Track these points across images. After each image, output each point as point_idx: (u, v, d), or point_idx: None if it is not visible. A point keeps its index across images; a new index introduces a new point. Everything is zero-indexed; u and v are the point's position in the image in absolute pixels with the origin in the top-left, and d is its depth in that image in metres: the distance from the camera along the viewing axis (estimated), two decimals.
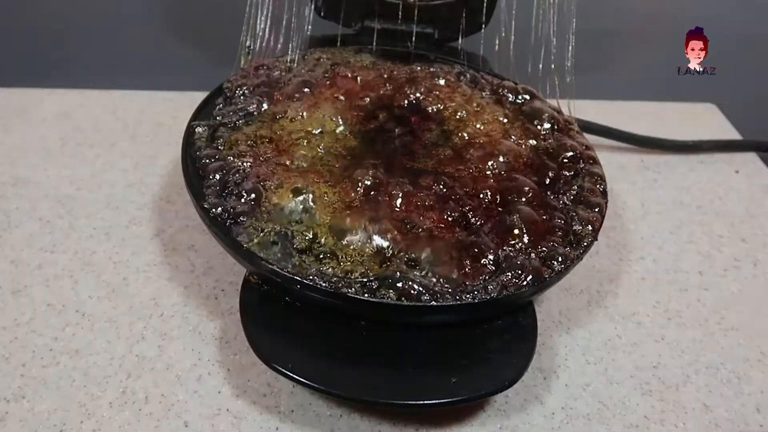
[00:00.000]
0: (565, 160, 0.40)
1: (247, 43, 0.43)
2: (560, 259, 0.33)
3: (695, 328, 0.38)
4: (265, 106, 0.41)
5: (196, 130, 0.38)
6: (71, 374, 0.33)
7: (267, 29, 0.43)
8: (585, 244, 0.34)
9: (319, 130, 0.39)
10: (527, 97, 0.44)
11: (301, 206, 0.34)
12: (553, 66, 0.41)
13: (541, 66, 0.43)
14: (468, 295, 0.31)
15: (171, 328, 0.35)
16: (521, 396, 0.33)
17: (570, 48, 0.42)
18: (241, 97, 0.41)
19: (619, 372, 0.35)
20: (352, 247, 0.33)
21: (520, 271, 0.32)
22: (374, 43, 0.47)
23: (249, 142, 0.38)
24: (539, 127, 0.42)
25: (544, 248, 0.34)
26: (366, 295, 0.30)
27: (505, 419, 0.32)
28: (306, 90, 0.42)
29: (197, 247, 0.40)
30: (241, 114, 0.40)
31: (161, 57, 0.60)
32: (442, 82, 0.44)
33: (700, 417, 0.33)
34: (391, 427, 0.31)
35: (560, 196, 0.37)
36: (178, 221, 0.42)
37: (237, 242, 0.32)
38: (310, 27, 0.45)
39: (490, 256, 0.33)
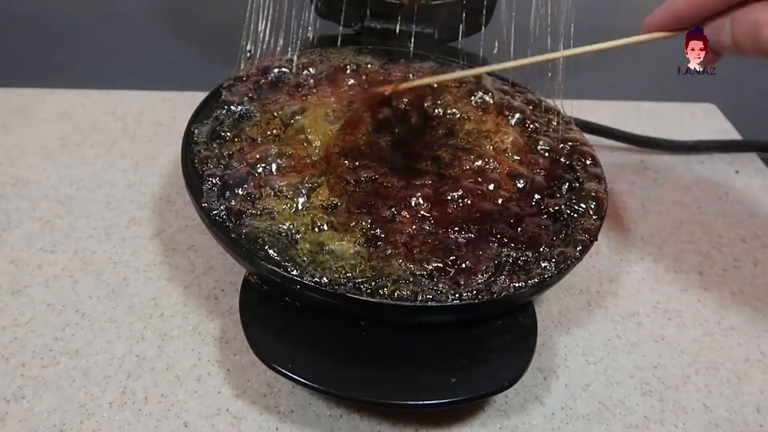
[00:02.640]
0: (565, 161, 0.40)
1: (248, 48, 0.43)
2: (560, 259, 0.33)
3: (695, 328, 0.38)
4: (264, 106, 0.41)
5: (196, 130, 0.38)
6: (71, 374, 0.33)
7: (267, 30, 0.43)
8: (585, 244, 0.34)
9: (318, 130, 0.39)
10: (527, 96, 0.44)
11: (301, 206, 0.34)
12: (550, 73, 0.41)
13: (540, 66, 0.43)
14: (468, 295, 0.31)
15: (171, 328, 0.35)
16: (521, 396, 0.33)
17: (562, 47, 0.42)
18: (241, 98, 0.41)
19: (619, 372, 0.35)
20: (352, 246, 0.32)
21: (520, 271, 0.32)
22: (374, 43, 0.47)
23: (248, 142, 0.38)
24: (539, 126, 0.42)
25: (544, 249, 0.34)
26: (365, 295, 0.30)
27: (505, 419, 0.32)
28: (305, 90, 0.42)
29: (197, 247, 0.40)
30: (240, 114, 0.40)
31: (161, 57, 0.60)
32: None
33: (700, 417, 0.33)
34: (390, 427, 0.31)
35: (560, 196, 0.37)
36: (178, 221, 0.42)
37: (237, 242, 0.32)
38: (310, 27, 0.45)
39: (491, 257, 0.33)
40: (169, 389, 0.32)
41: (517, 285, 0.31)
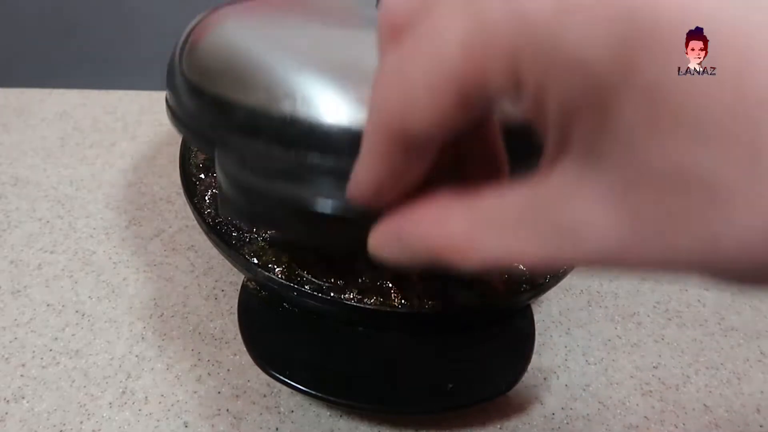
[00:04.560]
0: None
1: None
2: None
3: (695, 328, 0.38)
4: None
5: None
6: (71, 374, 0.33)
7: None
8: None
9: None
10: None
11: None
12: None
13: None
14: (465, 301, 0.31)
15: (171, 328, 0.35)
16: (521, 396, 0.33)
17: None
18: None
19: (619, 372, 0.35)
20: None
21: (517, 275, 0.32)
22: None
23: None
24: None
25: None
26: (363, 302, 0.30)
27: (505, 419, 0.32)
28: None
29: (197, 247, 0.40)
30: None
31: (161, 57, 0.60)
32: None
33: (700, 417, 0.33)
34: (391, 427, 0.31)
35: None
36: (178, 221, 0.42)
37: (234, 249, 0.32)
38: None
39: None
40: (169, 389, 0.32)
41: (514, 289, 0.31)
